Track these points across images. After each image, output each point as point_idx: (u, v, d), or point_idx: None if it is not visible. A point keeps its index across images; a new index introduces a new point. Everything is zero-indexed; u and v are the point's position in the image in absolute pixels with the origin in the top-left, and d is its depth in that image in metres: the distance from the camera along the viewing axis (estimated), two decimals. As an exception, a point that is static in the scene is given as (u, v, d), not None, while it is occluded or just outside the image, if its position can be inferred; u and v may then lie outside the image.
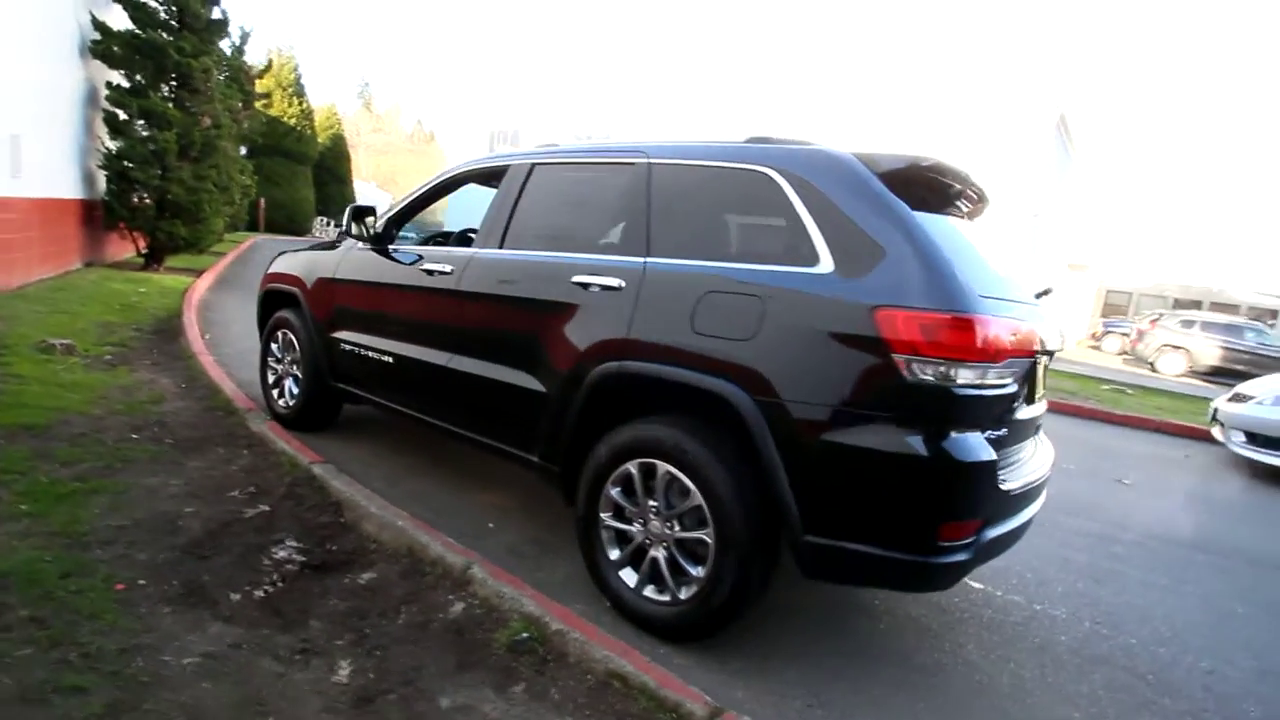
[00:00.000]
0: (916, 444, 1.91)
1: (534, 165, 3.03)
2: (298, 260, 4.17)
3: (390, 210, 3.65)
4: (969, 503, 1.98)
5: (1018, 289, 2.39)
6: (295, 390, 4.10)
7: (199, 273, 10.99)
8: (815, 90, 20.21)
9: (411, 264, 3.40)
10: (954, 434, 1.94)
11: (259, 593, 2.34)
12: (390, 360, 3.38)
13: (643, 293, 2.40)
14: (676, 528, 2.32)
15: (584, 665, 2.06)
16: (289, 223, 28.21)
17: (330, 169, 34.97)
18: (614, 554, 2.49)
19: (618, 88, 22.86)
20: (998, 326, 1.97)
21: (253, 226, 24.26)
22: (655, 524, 2.37)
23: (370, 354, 3.50)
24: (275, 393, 4.26)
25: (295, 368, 4.11)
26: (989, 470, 1.99)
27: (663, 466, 2.31)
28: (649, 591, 2.39)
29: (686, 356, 2.25)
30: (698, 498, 2.22)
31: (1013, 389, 2.16)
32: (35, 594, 2.10)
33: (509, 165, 3.15)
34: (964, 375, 1.92)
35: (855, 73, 20.50)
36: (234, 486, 3.13)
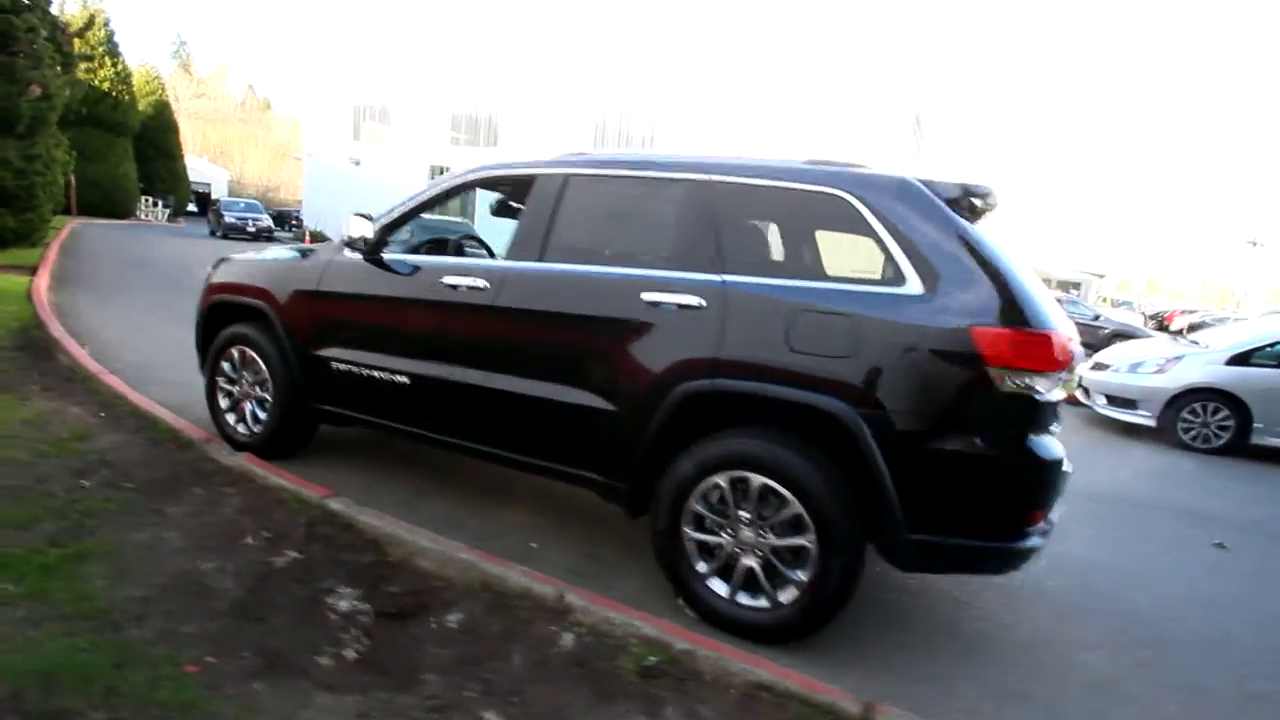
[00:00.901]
0: (1011, 447, 2.17)
1: (569, 177, 2.94)
2: (258, 270, 3.72)
3: (385, 217, 3.36)
4: (1049, 493, 2.28)
5: (1051, 301, 2.73)
6: (262, 414, 3.69)
7: (31, 269, 9.32)
8: (684, 88, 20.70)
9: (414, 275, 3.18)
10: (1034, 436, 2.22)
11: (349, 652, 2.15)
12: (405, 381, 3.15)
13: (728, 312, 2.46)
14: (771, 536, 2.43)
15: (722, 680, 2.12)
16: (108, 204, 24.50)
17: (155, 142, 30.70)
18: (701, 566, 2.55)
19: (502, 66, 21.86)
20: (1062, 339, 2.26)
21: (64, 210, 20.78)
22: (747, 533, 2.47)
23: (376, 374, 3.24)
24: (231, 418, 3.81)
25: (261, 389, 3.69)
26: (1060, 464, 2.30)
27: (757, 479, 2.40)
28: (743, 599, 2.49)
29: (786, 375, 2.35)
30: (796, 506, 2.35)
31: (1062, 392, 2.49)
32: (99, 693, 1.79)
33: (536, 175, 3.03)
34: (1041, 384, 2.19)
35: (724, 72, 21.23)
36: (243, 533, 2.80)
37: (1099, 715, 2.33)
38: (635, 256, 2.79)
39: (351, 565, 2.65)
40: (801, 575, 2.38)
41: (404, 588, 2.54)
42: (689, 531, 2.55)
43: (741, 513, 2.47)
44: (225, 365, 3.81)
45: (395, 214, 3.37)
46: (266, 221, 23.74)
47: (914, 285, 2.28)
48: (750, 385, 2.40)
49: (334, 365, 3.38)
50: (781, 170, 2.59)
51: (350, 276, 3.36)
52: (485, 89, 21.67)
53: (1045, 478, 2.22)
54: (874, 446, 2.22)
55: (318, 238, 22.96)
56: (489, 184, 3.31)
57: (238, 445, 3.70)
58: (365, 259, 3.32)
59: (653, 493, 2.66)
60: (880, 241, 2.36)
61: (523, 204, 3.20)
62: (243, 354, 3.73)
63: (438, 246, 3.81)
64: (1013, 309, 2.18)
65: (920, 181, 2.42)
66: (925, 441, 2.20)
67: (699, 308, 2.51)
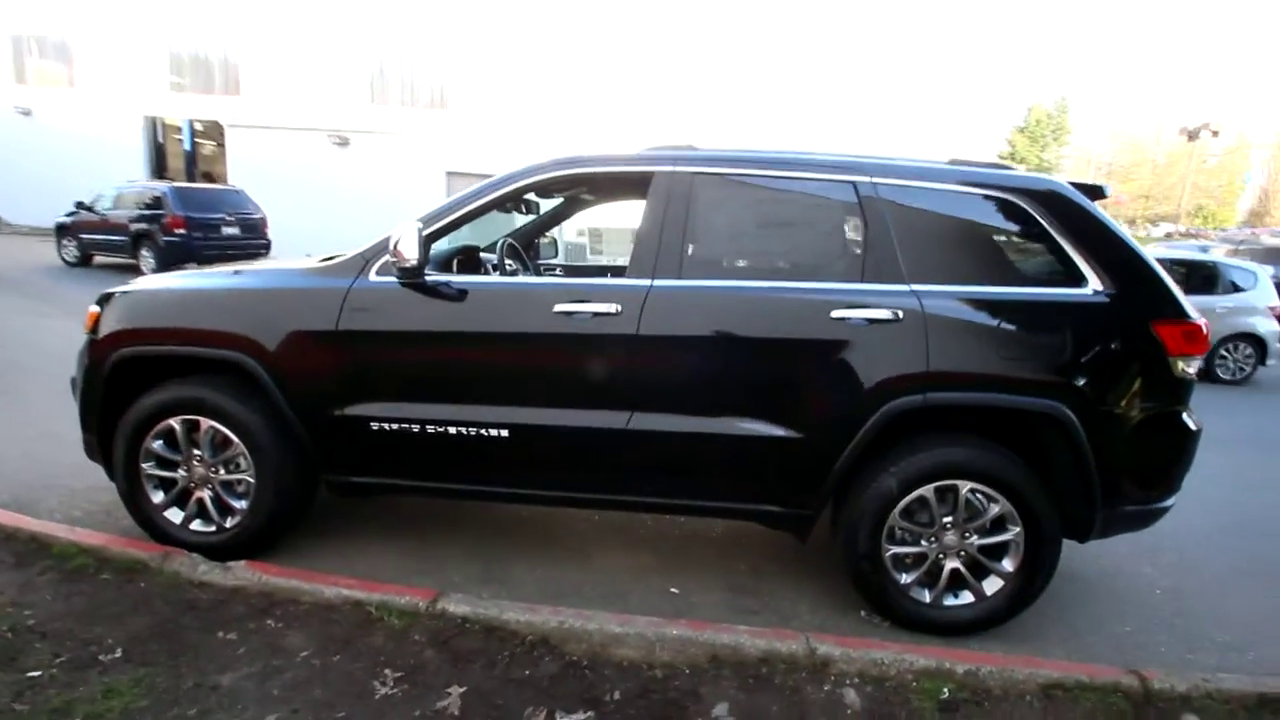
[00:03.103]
0: (1179, 421, 2.47)
1: (696, 175, 2.54)
2: (214, 305, 2.65)
3: (429, 224, 2.57)
4: (1194, 456, 2.65)
5: None
6: (238, 503, 2.72)
7: None
8: (483, 39, 18.94)
9: (495, 302, 2.55)
10: (1186, 410, 2.55)
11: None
12: (501, 434, 2.53)
13: (930, 323, 2.37)
14: (975, 537, 2.49)
15: (1014, 690, 2.15)
16: None
17: None
18: (904, 579, 2.53)
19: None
20: (1206, 327, 2.58)
21: None
22: (950, 538, 2.49)
23: (451, 430, 2.54)
24: (177, 516, 2.76)
25: (229, 470, 2.71)
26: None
27: (966, 485, 2.43)
28: (949, 601, 2.53)
29: (1001, 382, 2.37)
30: (1004, 505, 2.43)
31: None
32: None
33: (655, 173, 2.55)
34: (1192, 366, 2.51)
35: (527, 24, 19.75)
36: (356, 683, 2.05)
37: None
38: (798, 269, 2.54)
39: (540, 681, 2.12)
40: (1007, 565, 2.49)
41: (630, 691, 2.11)
42: (888, 547, 2.50)
43: (945, 519, 2.48)
44: (157, 445, 2.70)
45: (441, 220, 2.60)
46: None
47: (1095, 286, 2.42)
48: (967, 396, 2.38)
49: (373, 425, 2.58)
50: (948, 173, 2.52)
51: (392, 308, 2.55)
52: (216, 21, 17.24)
53: (1195, 444, 2.58)
54: (1084, 438, 2.37)
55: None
56: (577, 181, 2.70)
57: (197, 549, 2.68)
58: (406, 284, 2.54)
59: (839, 515, 2.54)
60: (1056, 245, 2.45)
61: (599, 197, 2.68)
62: (191, 426, 2.67)
63: (472, 258, 3.06)
64: (1175, 303, 2.44)
65: (1071, 185, 2.55)
66: (1121, 426, 2.40)
67: (894, 321, 2.38)
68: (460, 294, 2.55)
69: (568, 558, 2.98)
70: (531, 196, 3.49)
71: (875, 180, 2.50)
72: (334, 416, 2.59)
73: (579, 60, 17.03)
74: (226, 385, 2.65)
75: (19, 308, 8.33)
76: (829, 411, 2.42)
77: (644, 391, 2.49)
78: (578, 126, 16.13)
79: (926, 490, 2.44)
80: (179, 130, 19.62)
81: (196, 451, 2.71)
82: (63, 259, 12.59)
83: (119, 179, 13.45)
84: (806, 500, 2.52)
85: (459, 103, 17.72)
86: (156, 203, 11.57)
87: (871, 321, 2.39)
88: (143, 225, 11.52)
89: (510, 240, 3.35)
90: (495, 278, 2.86)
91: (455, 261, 2.94)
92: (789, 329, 2.42)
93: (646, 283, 2.48)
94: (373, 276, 2.58)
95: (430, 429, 2.56)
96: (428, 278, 2.55)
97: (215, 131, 19.14)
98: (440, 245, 2.82)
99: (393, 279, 2.55)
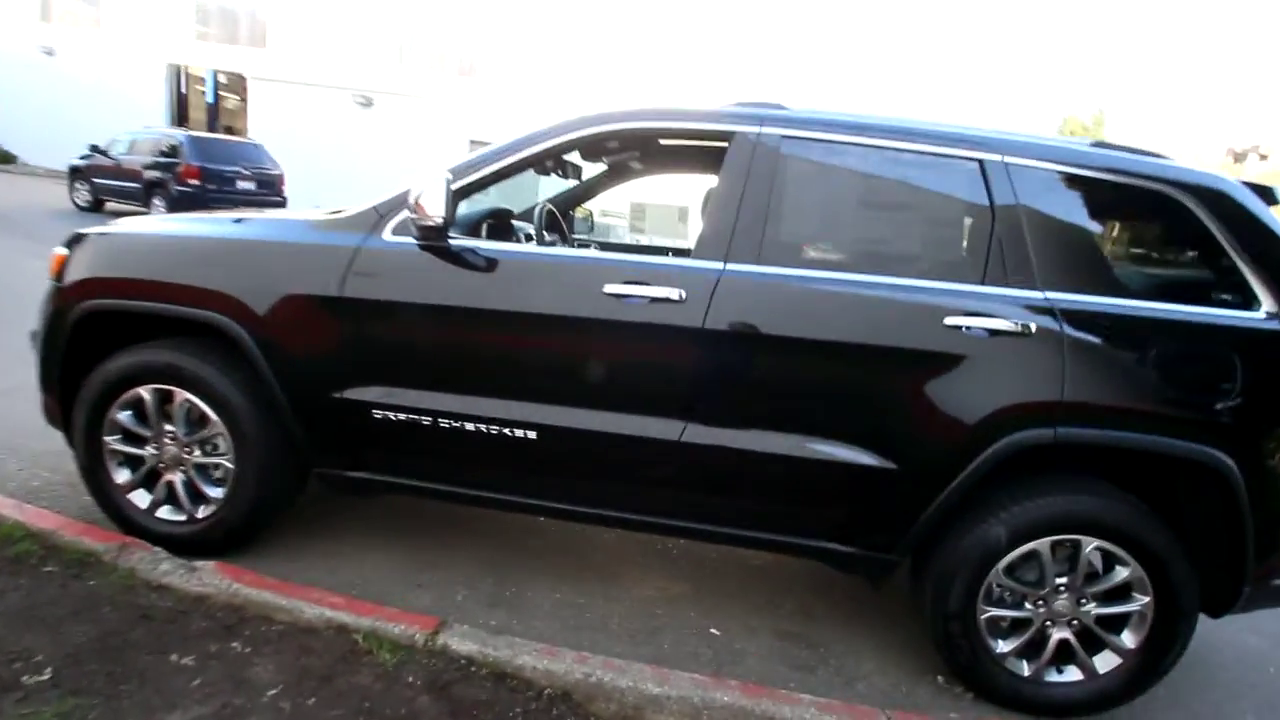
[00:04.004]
0: None
1: (785, 139, 2.08)
2: (196, 254, 2.24)
3: (459, 177, 2.13)
4: None
5: None
6: (214, 491, 2.32)
7: None
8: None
9: (531, 276, 2.11)
10: None
11: None
12: (529, 435, 2.10)
13: (1068, 341, 1.92)
14: (1093, 605, 2.04)
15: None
16: None
17: None
18: (1000, 646, 2.09)
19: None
20: None
21: None
22: (1062, 603, 2.05)
23: (469, 426, 2.12)
24: (143, 499, 2.36)
25: (206, 452, 2.31)
26: None
27: (1093, 543, 1.98)
28: (1052, 676, 2.10)
29: (1151, 420, 1.91)
30: (1134, 569, 1.99)
31: None
32: None
33: (735, 132, 2.10)
34: None
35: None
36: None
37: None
38: (904, 263, 2.08)
39: (558, 750, 1.70)
40: (1128, 641, 2.05)
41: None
42: (985, 608, 2.06)
43: (1059, 581, 2.04)
44: (124, 416, 2.30)
45: (474, 173, 2.16)
46: None
47: (1270, 308, 1.95)
48: (1109, 435, 1.92)
49: (376, 414, 2.17)
50: (1094, 157, 2.05)
51: (407, 274, 2.12)
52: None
53: None
54: (1244, 495, 1.92)
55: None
56: (632, 140, 2.26)
57: (163, 541, 2.29)
58: (426, 246, 2.11)
59: (927, 564, 2.11)
60: (1224, 257, 1.98)
61: (672, 167, 2.25)
62: (164, 397, 2.27)
63: (503, 222, 2.62)
64: None
65: (1242, 184, 2.08)
66: (1284, 485, 1.95)
67: (1022, 335, 1.93)
68: (489, 264, 2.11)
69: (592, 579, 2.56)
70: (575, 159, 3.05)
71: (1006, 159, 2.03)
72: (331, 399, 2.18)
73: (610, 34, 16.43)
74: (209, 353, 2.24)
75: (18, 249, 7.98)
76: (932, 440, 1.98)
77: (705, 398, 2.05)
78: (607, 102, 15.60)
79: (1041, 544, 2.00)
80: (202, 81, 19.22)
81: (169, 427, 2.31)
82: (74, 203, 12.27)
83: (138, 126, 13.09)
84: (891, 543, 2.08)
85: (487, 70, 17.19)
86: (172, 151, 11.22)
87: (994, 333, 1.94)
88: (156, 173, 11.17)
89: (550, 206, 2.90)
90: (532, 247, 2.43)
91: (485, 226, 2.50)
92: (890, 335, 1.97)
93: (718, 266, 2.03)
94: (387, 235, 2.15)
95: (443, 423, 2.13)
96: (453, 241, 2.12)
97: (239, 85, 18.73)
98: (465, 208, 2.39)
99: (410, 240, 2.12)
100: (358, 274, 2.11)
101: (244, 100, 18.56)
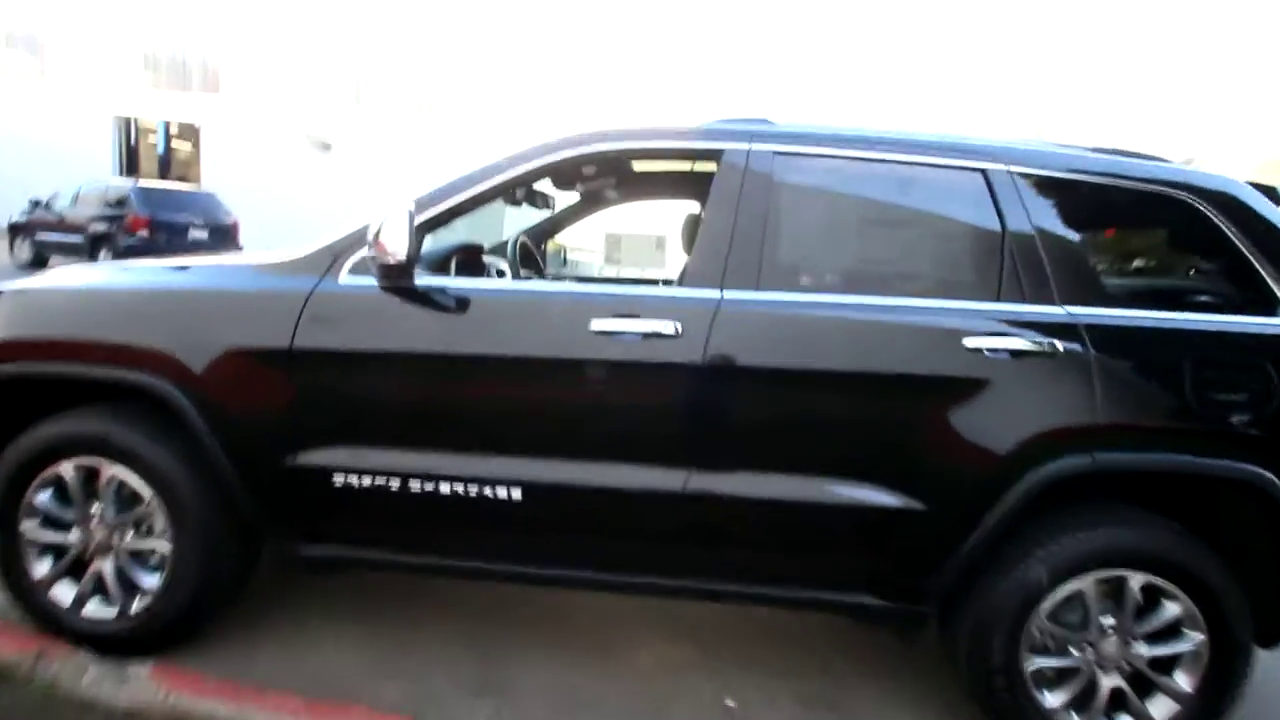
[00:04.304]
0: None
1: (778, 156, 1.93)
2: (123, 307, 1.98)
3: (423, 210, 1.92)
4: None
5: None
6: (150, 579, 2.02)
7: None
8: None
9: (504, 317, 1.91)
10: None
11: None
12: (513, 494, 1.86)
13: (1096, 359, 1.77)
14: (1143, 646, 1.86)
15: None
16: None
17: None
18: (1050, 700, 1.88)
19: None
20: None
21: None
22: (1109, 646, 1.86)
23: (443, 488, 1.87)
24: (63, 593, 2.06)
25: (140, 535, 2.02)
26: None
27: (1140, 578, 1.81)
28: (1101, 730, 1.90)
29: (1190, 439, 1.77)
30: (1187, 606, 1.81)
31: None
32: None
33: (722, 151, 1.94)
34: None
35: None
36: None
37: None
38: (915, 282, 1.93)
39: None
40: (1183, 683, 1.87)
41: None
42: (1030, 658, 1.86)
43: (1106, 622, 1.86)
44: (43, 498, 2.00)
45: (439, 204, 1.96)
46: None
47: None
48: (1150, 459, 1.77)
49: (337, 479, 1.91)
50: (1101, 164, 1.94)
51: (368, 320, 1.90)
52: (193, 21, 16.48)
53: None
54: None
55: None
56: (609, 163, 2.09)
57: (92, 641, 1.98)
58: (389, 288, 1.88)
59: (961, 613, 1.91)
60: (1242, 261, 1.88)
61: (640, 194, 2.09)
62: (90, 473, 1.98)
63: (473, 258, 2.40)
64: None
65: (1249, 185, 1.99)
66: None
67: (1047, 355, 1.78)
68: (461, 303, 1.90)
69: (586, 649, 2.30)
70: (546, 188, 2.87)
71: (1011, 169, 1.91)
72: (284, 466, 1.91)
73: (571, 64, 16.59)
74: (141, 420, 1.96)
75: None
76: (960, 474, 1.80)
77: (709, 441, 1.85)
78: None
79: (1084, 582, 1.82)
80: (153, 132, 18.78)
81: (96, 508, 2.01)
82: (14, 260, 11.67)
83: (83, 179, 12.61)
84: (919, 591, 1.89)
85: (448, 107, 17.15)
86: (119, 202, 10.76)
87: (1017, 354, 1.78)
88: (102, 226, 10.67)
89: (524, 239, 2.70)
90: (508, 283, 2.23)
91: (453, 262, 2.29)
92: (906, 362, 1.81)
93: (714, 295, 1.84)
94: (344, 277, 1.92)
95: (415, 486, 1.88)
96: (418, 281, 1.90)
97: (192, 134, 18.34)
98: (431, 244, 2.18)
99: (370, 281, 1.89)
100: (311, 322, 1.87)
101: (197, 149, 18.16)
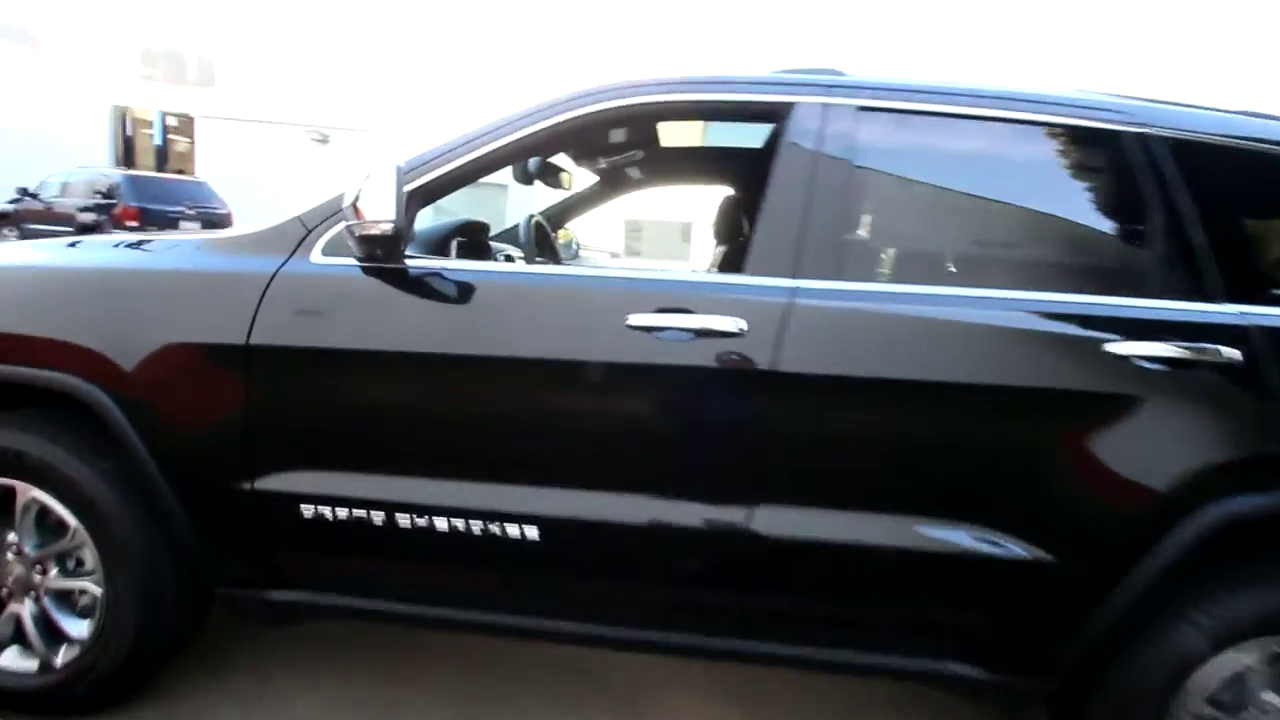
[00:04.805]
0: None
1: (863, 112, 1.54)
2: (44, 298, 1.60)
3: (414, 173, 1.54)
4: None
5: None
6: (76, 627, 1.64)
7: None
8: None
9: (515, 304, 1.52)
10: None
11: None
12: (528, 533, 1.48)
13: (1263, 365, 1.39)
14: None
15: None
16: None
17: None
18: (1199, 796, 1.50)
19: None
20: None
21: None
22: (1267, 735, 1.48)
23: (439, 524, 1.49)
24: None
25: (63, 573, 1.64)
26: None
27: (1325, 649, 1.42)
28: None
29: None
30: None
31: None
32: None
33: (794, 104, 1.55)
34: None
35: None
36: None
37: None
38: (1037, 272, 1.54)
39: None
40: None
41: None
42: (1178, 744, 1.48)
43: (1268, 698, 1.47)
44: (-58, 527, 1.61)
45: (432, 169, 1.57)
46: None
47: None
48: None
49: (306, 510, 1.52)
50: (1259, 128, 1.56)
51: (346, 309, 1.51)
52: (191, 13, 16.09)
53: None
54: None
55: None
56: (651, 116, 1.69)
57: (9, 700, 1.61)
58: (372, 269, 1.50)
59: (1093, 690, 1.52)
60: None
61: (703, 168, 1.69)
62: (3, 497, 1.60)
63: (476, 239, 2.01)
64: None
65: None
66: None
67: (1216, 366, 1.39)
68: (464, 291, 1.51)
69: (605, 711, 1.90)
70: (564, 163, 2.48)
71: (1157, 131, 1.52)
72: (239, 492, 1.53)
73: (568, 51, 16.21)
74: (64, 431, 1.58)
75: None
76: (1097, 516, 1.41)
77: (778, 471, 1.46)
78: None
79: (1250, 655, 1.44)
80: (150, 125, 18.40)
81: (11, 538, 1.63)
82: None
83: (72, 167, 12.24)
84: (1044, 662, 1.50)
85: (448, 101, 16.77)
86: (109, 192, 10.40)
87: (1174, 364, 1.40)
88: (91, 215, 10.31)
89: (539, 219, 2.31)
90: (523, 268, 1.85)
91: (454, 244, 1.90)
92: (1032, 374, 1.42)
93: (786, 284, 1.46)
94: (317, 256, 1.54)
95: (404, 520, 1.50)
96: (411, 262, 1.52)
97: (189, 128, 17.97)
98: (425, 222, 1.80)
99: (350, 262, 1.51)
100: (274, 311, 1.49)
101: (192, 140, 17.79)
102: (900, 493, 1.46)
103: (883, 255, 1.56)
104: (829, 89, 1.57)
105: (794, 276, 1.46)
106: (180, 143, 19.03)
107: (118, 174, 10.97)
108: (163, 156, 18.62)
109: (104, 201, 10.35)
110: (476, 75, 16.39)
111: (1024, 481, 1.43)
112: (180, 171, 18.46)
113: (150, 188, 10.70)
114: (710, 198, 2.78)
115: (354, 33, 16.47)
